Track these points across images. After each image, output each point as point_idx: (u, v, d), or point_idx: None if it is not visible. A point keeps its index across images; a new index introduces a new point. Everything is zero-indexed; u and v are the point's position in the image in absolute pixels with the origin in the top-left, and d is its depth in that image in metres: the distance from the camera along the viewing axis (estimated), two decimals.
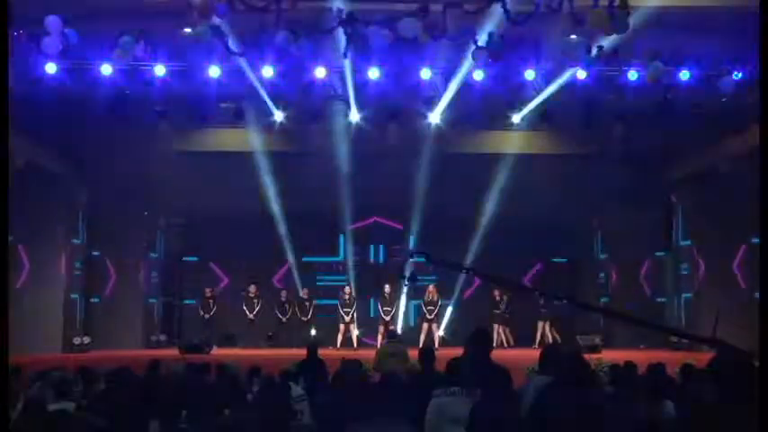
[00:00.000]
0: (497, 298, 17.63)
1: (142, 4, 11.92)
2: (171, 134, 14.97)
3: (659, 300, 18.37)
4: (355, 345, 16.99)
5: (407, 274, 3.79)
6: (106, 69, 12.58)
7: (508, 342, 17.51)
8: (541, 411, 4.13)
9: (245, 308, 17.77)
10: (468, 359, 5.25)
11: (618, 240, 18.66)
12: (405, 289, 17.77)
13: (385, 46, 11.77)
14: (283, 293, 18.26)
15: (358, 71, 12.96)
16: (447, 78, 13.36)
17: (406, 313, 18.37)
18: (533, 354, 7.65)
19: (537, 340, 17.27)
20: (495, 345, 15.97)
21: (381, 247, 19.74)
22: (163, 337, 18.29)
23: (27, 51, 12.10)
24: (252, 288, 17.99)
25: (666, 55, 12.74)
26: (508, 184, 16.22)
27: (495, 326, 17.30)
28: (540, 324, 17.45)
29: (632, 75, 12.83)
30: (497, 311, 17.59)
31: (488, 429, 4.23)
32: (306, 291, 18.16)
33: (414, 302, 18.54)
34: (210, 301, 17.73)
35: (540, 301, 17.03)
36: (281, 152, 15.91)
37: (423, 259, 4.26)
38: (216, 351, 15.74)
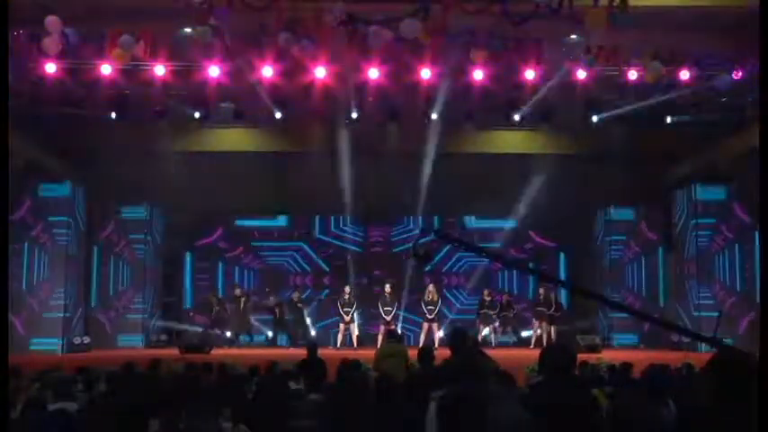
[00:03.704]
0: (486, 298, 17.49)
1: (142, 4, 11.94)
2: (171, 134, 14.98)
3: (659, 299, 18.34)
4: (355, 345, 16.97)
5: (420, 252, 3.69)
6: (106, 69, 12.58)
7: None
8: (530, 411, 4.14)
9: (266, 301, 17.93)
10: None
11: (617, 240, 18.64)
12: (405, 290, 17.73)
13: (385, 46, 11.79)
14: (295, 295, 18.29)
15: (358, 71, 12.95)
16: (447, 78, 13.36)
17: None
18: (534, 354, 7.64)
19: (533, 341, 17.22)
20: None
21: (382, 246, 19.68)
22: (163, 337, 18.29)
23: (27, 51, 12.12)
24: (270, 295, 18.25)
25: (666, 55, 12.74)
26: (508, 184, 16.20)
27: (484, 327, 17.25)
28: (538, 323, 17.41)
29: (632, 75, 12.83)
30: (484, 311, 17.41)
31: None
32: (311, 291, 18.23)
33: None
34: (218, 304, 17.96)
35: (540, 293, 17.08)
36: (281, 152, 15.87)
37: (433, 236, 4.17)
38: (216, 351, 15.73)
